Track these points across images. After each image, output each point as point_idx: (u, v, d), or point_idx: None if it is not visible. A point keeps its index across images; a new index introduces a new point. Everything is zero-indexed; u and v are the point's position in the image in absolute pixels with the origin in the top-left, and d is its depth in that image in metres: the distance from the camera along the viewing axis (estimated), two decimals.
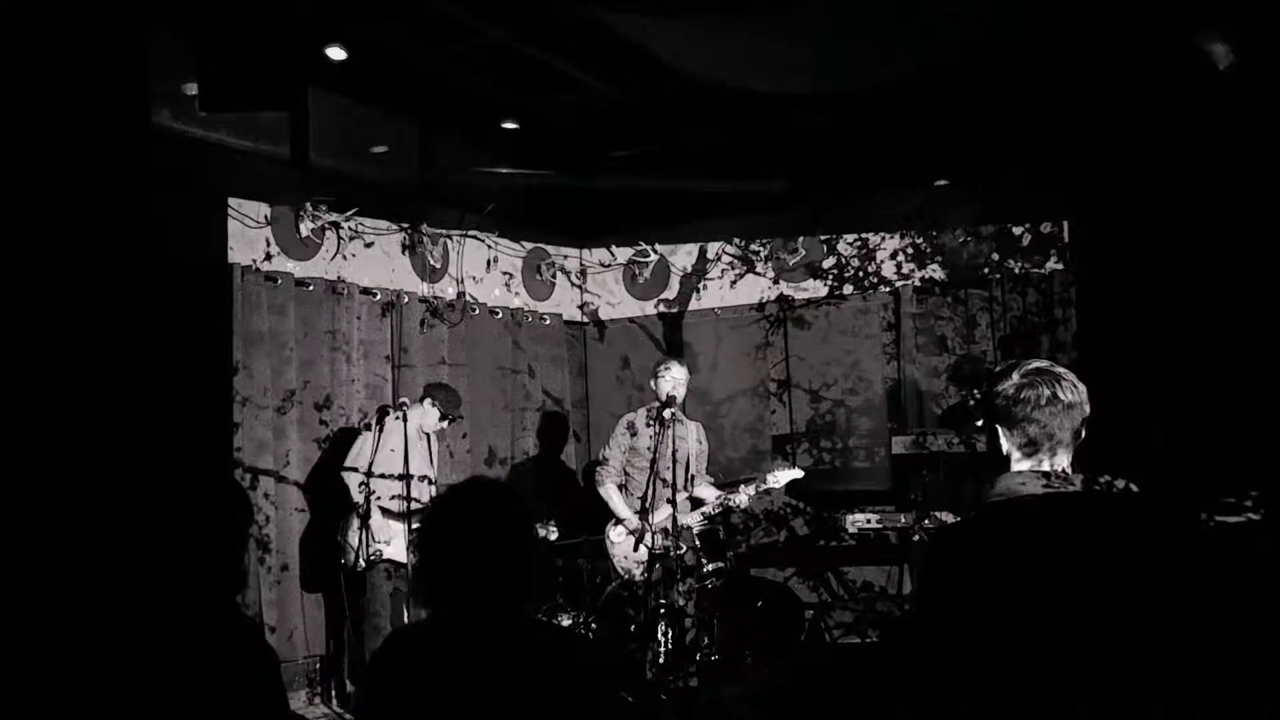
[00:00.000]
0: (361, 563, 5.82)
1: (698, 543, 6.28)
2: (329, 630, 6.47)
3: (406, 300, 7.21)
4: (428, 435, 6.28)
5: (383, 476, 5.89)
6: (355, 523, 5.86)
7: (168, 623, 2.16)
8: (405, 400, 6.15)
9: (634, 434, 6.45)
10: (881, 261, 7.79)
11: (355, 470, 5.93)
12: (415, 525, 5.58)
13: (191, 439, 5.44)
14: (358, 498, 5.84)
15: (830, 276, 7.90)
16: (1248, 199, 5.93)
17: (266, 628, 6.11)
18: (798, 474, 6.34)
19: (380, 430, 5.92)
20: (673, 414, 6.12)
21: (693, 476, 6.43)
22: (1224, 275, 6.04)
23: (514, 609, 2.32)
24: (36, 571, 3.50)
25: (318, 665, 6.48)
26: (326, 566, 6.19)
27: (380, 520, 5.87)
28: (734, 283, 8.18)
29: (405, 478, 5.85)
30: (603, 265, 8.56)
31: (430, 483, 6.14)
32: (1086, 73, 5.89)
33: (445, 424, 6.35)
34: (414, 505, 5.89)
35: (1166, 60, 5.62)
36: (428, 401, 6.24)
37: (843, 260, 7.88)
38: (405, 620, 5.87)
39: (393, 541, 5.92)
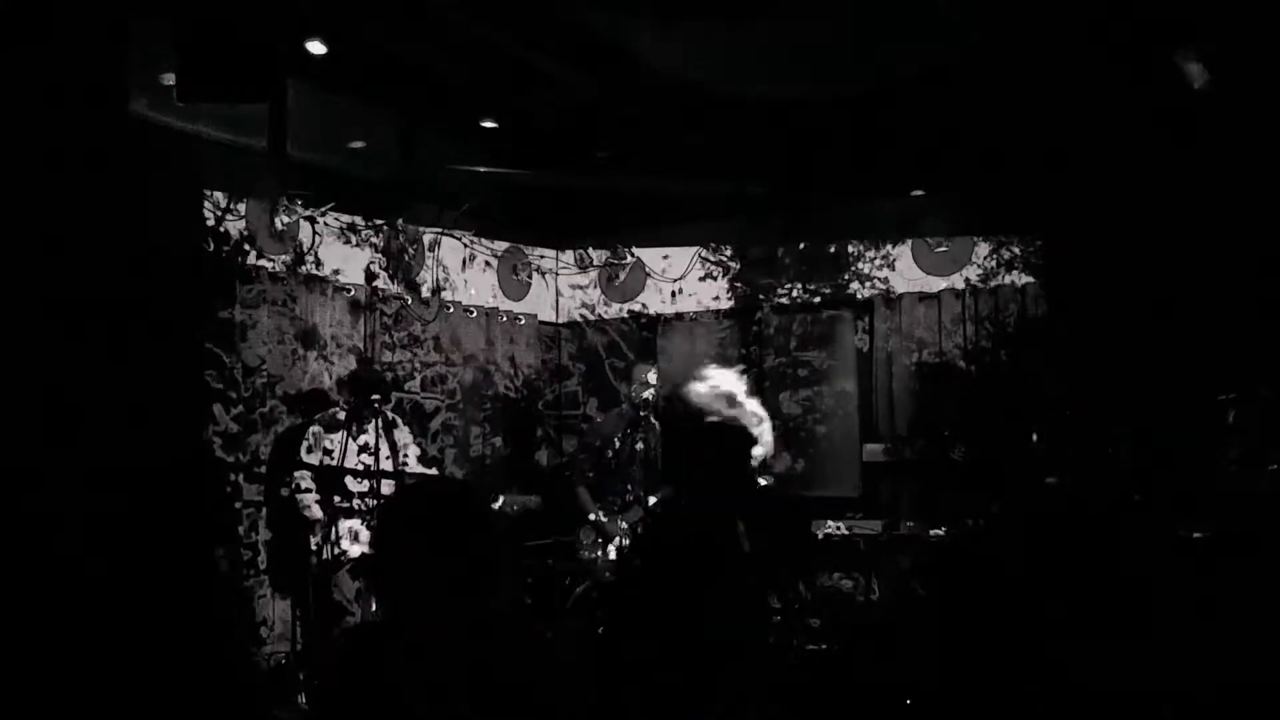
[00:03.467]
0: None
1: None
2: (296, 626, 6.44)
3: (381, 297, 7.20)
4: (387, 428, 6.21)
5: (352, 474, 5.86)
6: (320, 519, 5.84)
7: (145, 607, 2.17)
8: (377, 396, 6.11)
9: (605, 436, 6.45)
10: (856, 269, 7.82)
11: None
12: (373, 523, 5.60)
13: (164, 432, 5.41)
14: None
15: (805, 283, 7.93)
16: (1220, 212, 6.02)
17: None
18: (769, 482, 6.35)
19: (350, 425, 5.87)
20: (645, 416, 6.13)
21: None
22: (1194, 289, 6.12)
23: (475, 606, 2.31)
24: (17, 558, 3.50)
25: (284, 661, 6.45)
26: (293, 564, 6.15)
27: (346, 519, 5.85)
28: (711, 287, 8.20)
29: (373, 474, 5.84)
30: (579, 267, 8.56)
31: (396, 477, 6.09)
32: (1063, 88, 5.94)
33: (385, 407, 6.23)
34: (372, 502, 5.87)
35: (1144, 79, 5.68)
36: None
37: (818, 267, 7.90)
38: (370, 617, 5.85)
39: (360, 539, 5.90)
